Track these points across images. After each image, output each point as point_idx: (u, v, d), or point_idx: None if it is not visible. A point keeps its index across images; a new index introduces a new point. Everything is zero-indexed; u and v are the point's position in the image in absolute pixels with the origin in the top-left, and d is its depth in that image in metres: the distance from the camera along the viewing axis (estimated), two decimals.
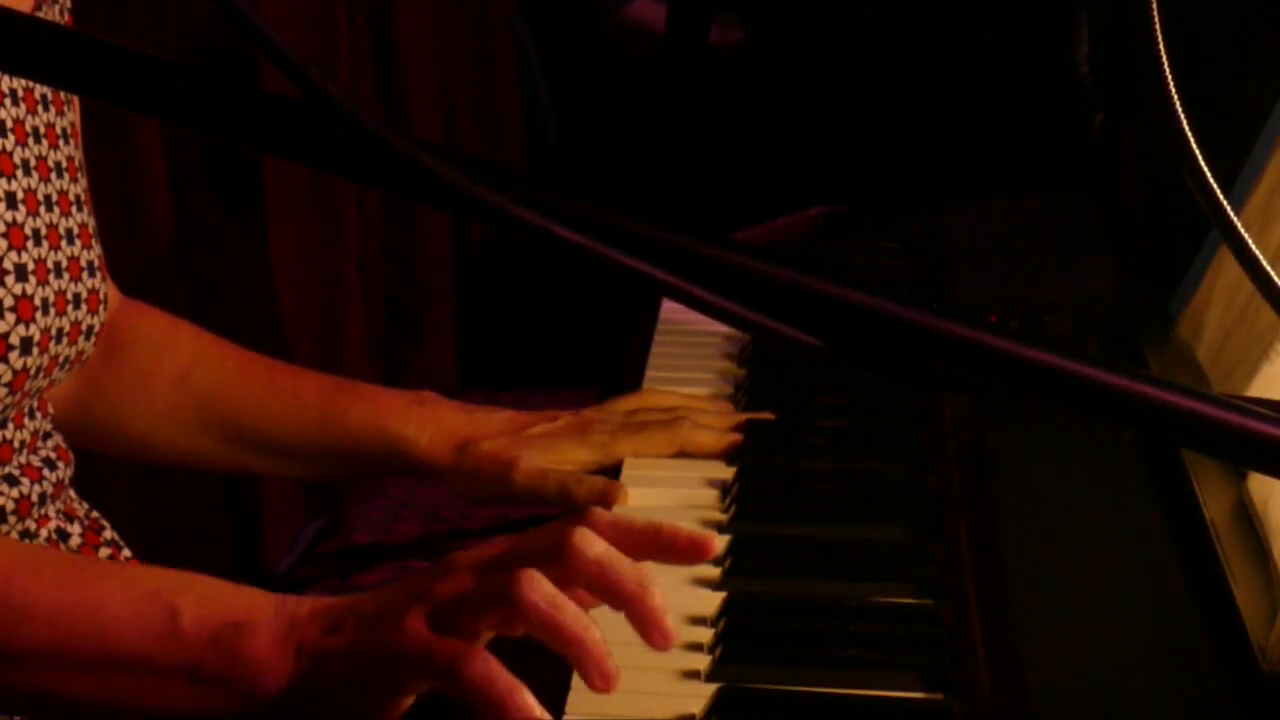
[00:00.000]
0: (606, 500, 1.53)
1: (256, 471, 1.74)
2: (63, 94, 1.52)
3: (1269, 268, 0.96)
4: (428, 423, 1.64)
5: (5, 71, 1.32)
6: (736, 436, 1.62)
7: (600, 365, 2.20)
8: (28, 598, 1.20)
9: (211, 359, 1.69)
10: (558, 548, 1.14)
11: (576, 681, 1.24)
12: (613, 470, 1.60)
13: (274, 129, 0.86)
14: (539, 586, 1.11)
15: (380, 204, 3.52)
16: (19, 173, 1.44)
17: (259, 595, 1.21)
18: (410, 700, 1.17)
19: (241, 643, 1.17)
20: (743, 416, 1.66)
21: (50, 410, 1.56)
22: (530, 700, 1.11)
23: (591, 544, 1.14)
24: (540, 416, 1.64)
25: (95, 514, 1.58)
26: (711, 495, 1.54)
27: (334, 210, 3.27)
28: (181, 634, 1.17)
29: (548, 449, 1.61)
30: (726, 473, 1.57)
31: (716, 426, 1.63)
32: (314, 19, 3.19)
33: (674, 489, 1.55)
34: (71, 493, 1.56)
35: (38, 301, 1.43)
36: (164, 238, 2.71)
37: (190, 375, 1.68)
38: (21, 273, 1.42)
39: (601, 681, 1.12)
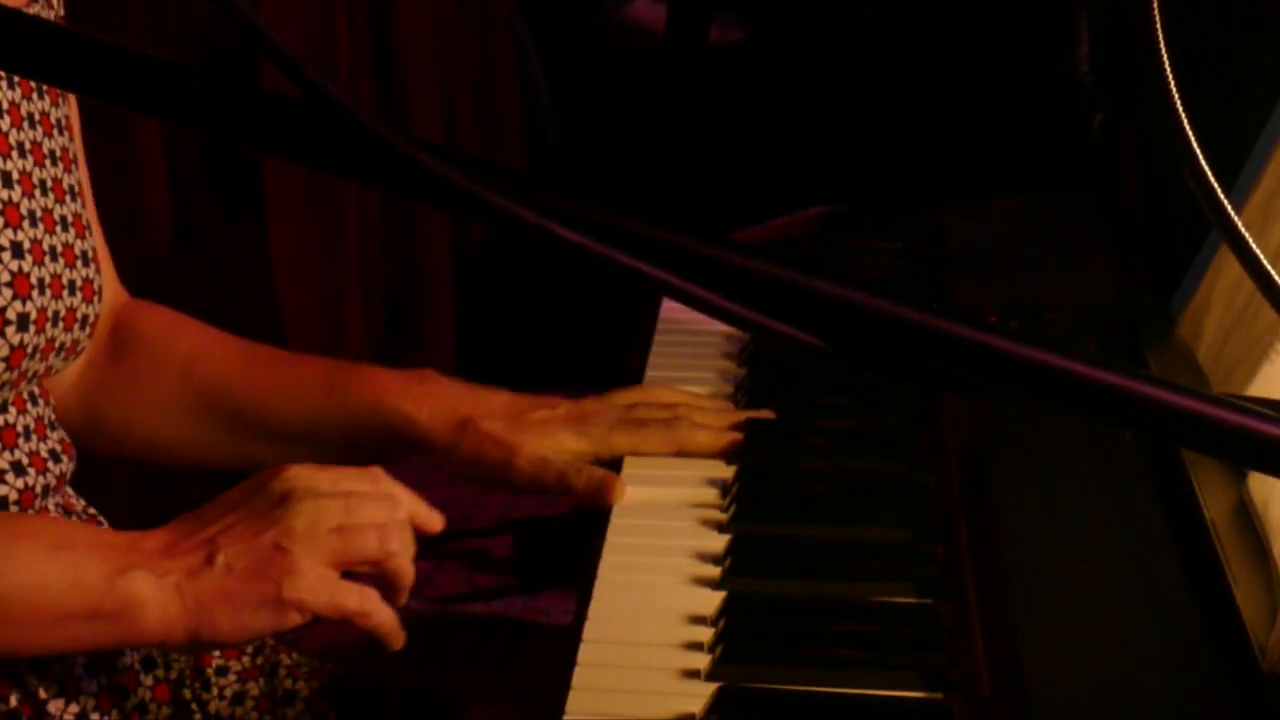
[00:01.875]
0: (604, 494, 1.54)
1: (265, 461, 1.75)
2: None
3: (1269, 267, 0.96)
4: (427, 399, 1.64)
5: (7, 71, 1.32)
6: (735, 436, 1.61)
7: (600, 365, 2.20)
8: None
9: (213, 351, 1.70)
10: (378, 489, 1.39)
11: (576, 681, 1.24)
12: (614, 464, 1.60)
13: (274, 129, 0.86)
14: (400, 540, 1.38)
15: (380, 204, 3.52)
16: (14, 154, 1.46)
17: (129, 537, 1.38)
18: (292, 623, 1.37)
19: (126, 586, 1.33)
20: (743, 415, 1.66)
21: (52, 400, 1.56)
22: (399, 627, 1.38)
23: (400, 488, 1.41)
24: (541, 402, 1.64)
25: (92, 510, 1.59)
26: (711, 495, 1.53)
27: (334, 210, 3.28)
28: (83, 582, 1.33)
29: (545, 435, 1.61)
30: (726, 472, 1.57)
31: (715, 426, 1.63)
32: (314, 19, 3.19)
33: (674, 488, 1.55)
34: (68, 489, 1.57)
35: (34, 280, 1.45)
36: (164, 238, 2.71)
37: (193, 368, 1.69)
38: (18, 250, 1.44)
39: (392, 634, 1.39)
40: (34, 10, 1.51)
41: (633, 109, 3.67)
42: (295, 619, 1.34)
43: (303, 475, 1.37)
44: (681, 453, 1.60)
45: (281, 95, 0.86)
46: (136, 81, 0.86)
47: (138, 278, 1.77)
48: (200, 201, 2.87)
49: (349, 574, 1.37)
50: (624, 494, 1.54)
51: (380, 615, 1.36)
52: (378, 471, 1.40)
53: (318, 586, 1.33)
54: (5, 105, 1.46)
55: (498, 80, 3.96)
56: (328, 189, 3.20)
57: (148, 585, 1.32)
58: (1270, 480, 1.26)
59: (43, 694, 1.45)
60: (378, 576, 1.38)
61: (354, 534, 1.35)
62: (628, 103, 3.76)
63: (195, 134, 2.43)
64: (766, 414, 1.66)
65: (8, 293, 1.43)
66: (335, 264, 3.26)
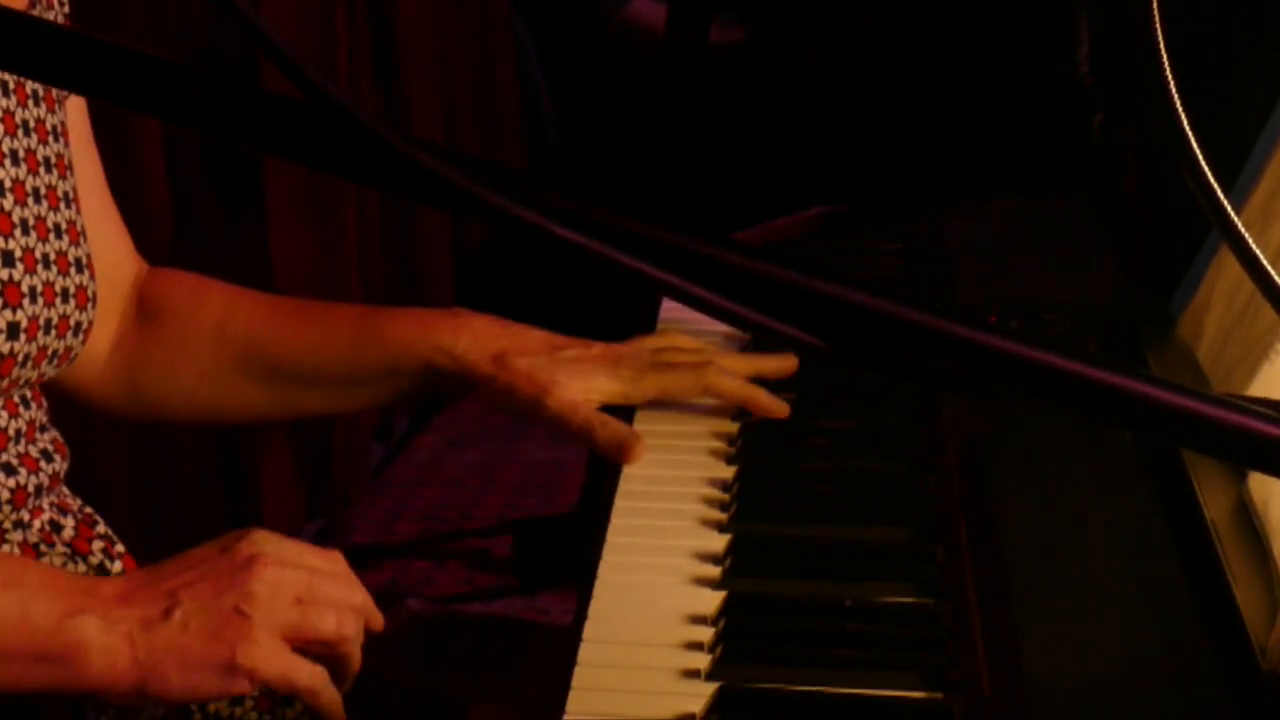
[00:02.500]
0: (625, 451, 1.58)
1: (308, 411, 1.78)
2: (54, 92, 1.53)
3: (1269, 268, 0.96)
4: (462, 330, 1.65)
5: (7, 70, 1.32)
6: (758, 390, 1.66)
7: None
8: None
9: (243, 307, 1.71)
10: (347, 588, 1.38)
11: (576, 681, 1.24)
12: (627, 413, 1.64)
13: (274, 129, 0.86)
14: (355, 629, 1.36)
15: (380, 204, 3.52)
16: (7, 162, 1.46)
17: (86, 581, 1.39)
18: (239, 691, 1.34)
19: (75, 631, 1.30)
20: (764, 360, 1.69)
21: (44, 403, 1.57)
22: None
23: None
24: (575, 342, 1.67)
25: (88, 509, 1.59)
26: (712, 495, 1.54)
27: (334, 210, 3.27)
28: (30, 622, 1.30)
29: (579, 375, 1.64)
30: (727, 472, 1.57)
31: (741, 372, 1.67)
32: (314, 19, 3.19)
33: (674, 487, 1.55)
34: (65, 488, 1.57)
35: (24, 289, 1.44)
36: (164, 238, 2.71)
37: (225, 326, 1.70)
38: (9, 259, 1.44)
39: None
40: (37, 11, 1.51)
41: (633, 109, 3.67)
42: (244, 686, 1.32)
43: (270, 541, 1.35)
44: (709, 393, 1.65)
45: (281, 95, 0.86)
46: (136, 81, 0.86)
47: None
48: (200, 201, 2.87)
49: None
50: (642, 456, 1.57)
51: (327, 695, 1.35)
52: (338, 555, 1.39)
53: (271, 656, 1.31)
54: None
55: (498, 80, 3.96)
56: (328, 189, 3.20)
57: (96, 630, 1.30)
58: (1270, 480, 1.26)
59: None
60: (326, 658, 1.36)
61: (313, 610, 1.34)
62: (628, 103, 3.75)
63: (195, 134, 2.43)
64: (787, 362, 1.69)
65: None
66: (335, 264, 3.26)
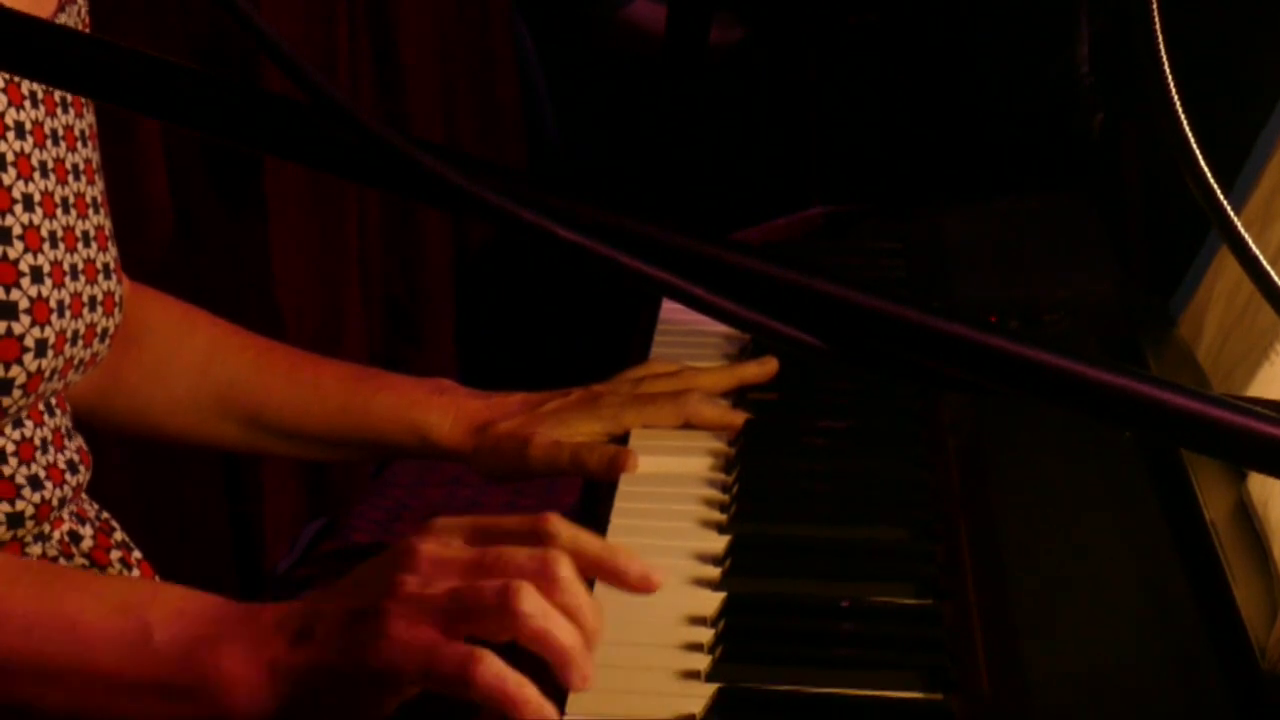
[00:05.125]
0: (618, 466, 1.58)
1: (275, 454, 1.80)
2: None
3: (1269, 268, 0.96)
4: (449, 410, 1.67)
5: (9, 72, 1.32)
6: (740, 415, 1.65)
7: (600, 364, 2.19)
8: (3, 607, 1.21)
9: (230, 349, 1.71)
10: (534, 533, 1.19)
11: None
12: (622, 441, 1.64)
13: (274, 129, 0.86)
14: (533, 599, 1.13)
15: (380, 204, 3.52)
16: (36, 175, 1.44)
17: (226, 606, 1.21)
18: (398, 699, 1.17)
19: (211, 659, 1.17)
20: (745, 368, 1.70)
21: (68, 407, 1.56)
22: (539, 695, 1.13)
23: (563, 526, 1.20)
24: (553, 394, 1.69)
25: (106, 515, 1.58)
26: (712, 495, 1.54)
27: (334, 210, 3.27)
28: (154, 649, 1.18)
29: (560, 423, 1.65)
30: (726, 473, 1.57)
31: (722, 403, 1.67)
32: (314, 19, 3.19)
33: (674, 487, 1.55)
34: (84, 496, 1.56)
35: (53, 304, 1.43)
36: (164, 237, 2.71)
37: (210, 366, 1.70)
38: (38, 275, 1.42)
39: (580, 681, 1.15)
40: (63, 18, 1.49)
41: (633, 109, 3.67)
42: (393, 696, 1.13)
43: (444, 525, 1.20)
44: (689, 425, 1.64)
45: (281, 95, 0.86)
46: (136, 81, 0.86)
47: (138, 277, 1.77)
48: (200, 201, 2.87)
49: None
50: (637, 464, 1.58)
51: (489, 677, 1.11)
52: (552, 516, 1.20)
53: (410, 650, 1.11)
54: (29, 125, 1.43)
55: (498, 80, 3.96)
56: (328, 189, 3.20)
57: (233, 660, 1.15)
58: (1270, 480, 1.26)
59: None
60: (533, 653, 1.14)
61: (469, 590, 1.14)
62: (628, 103, 3.75)
63: (195, 134, 2.43)
64: (768, 366, 1.70)
65: (26, 320, 1.41)
66: (335, 264, 3.25)
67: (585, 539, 1.21)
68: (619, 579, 1.22)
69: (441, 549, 1.17)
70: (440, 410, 1.67)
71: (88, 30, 1.55)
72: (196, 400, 1.70)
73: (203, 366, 1.69)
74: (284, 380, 1.70)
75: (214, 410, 1.70)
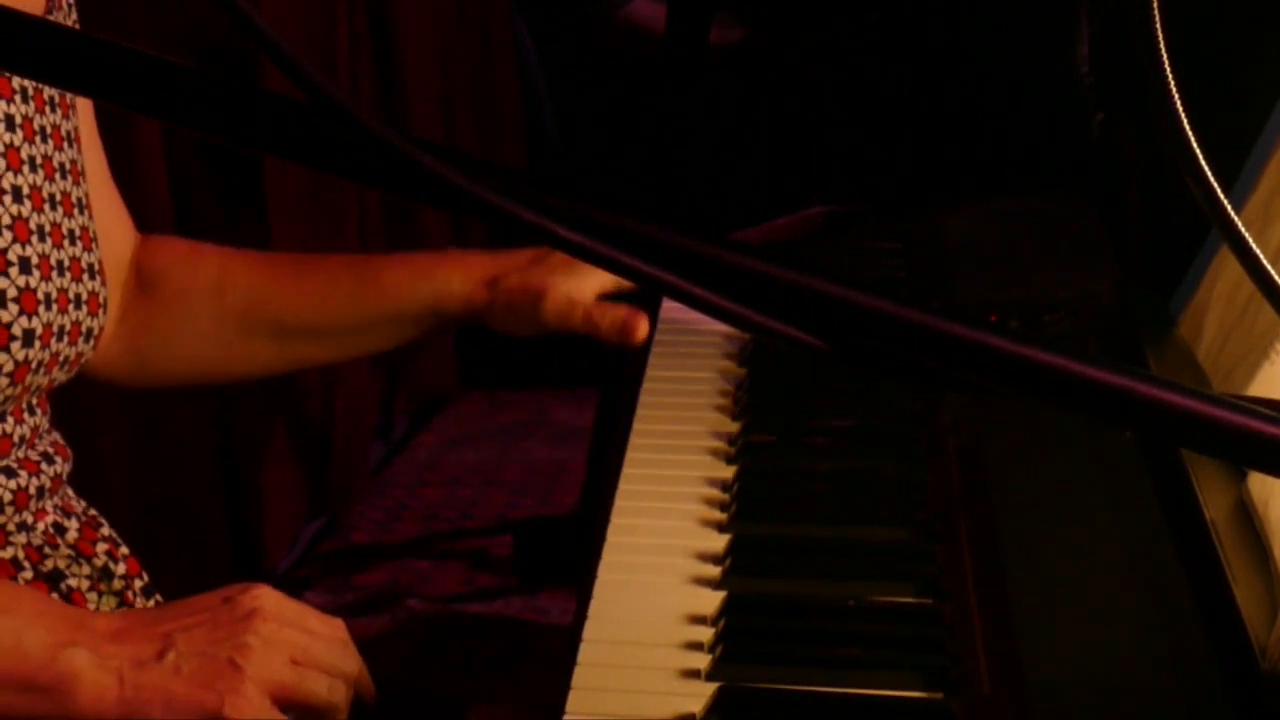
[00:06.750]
0: (629, 332, 1.62)
1: (314, 362, 1.81)
2: (68, 97, 1.53)
3: (1269, 268, 0.96)
4: (457, 267, 1.70)
5: (8, 71, 1.32)
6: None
7: (600, 364, 2.20)
8: None
9: (238, 266, 1.73)
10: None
11: (576, 681, 1.24)
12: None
13: (274, 129, 0.86)
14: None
15: (380, 204, 3.52)
16: (25, 168, 1.46)
17: (84, 616, 1.36)
18: None
19: (66, 662, 1.29)
20: None
21: (48, 408, 1.57)
22: None
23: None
24: None
25: (93, 511, 1.60)
26: (712, 495, 1.54)
27: (334, 210, 3.27)
28: (22, 652, 1.29)
29: (571, 272, 1.67)
30: (726, 472, 1.57)
31: None
32: (314, 19, 3.19)
33: (674, 487, 1.55)
34: (69, 490, 1.57)
35: (40, 295, 1.45)
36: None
37: (224, 286, 1.72)
38: (25, 265, 1.44)
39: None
40: (52, 17, 1.50)
41: (633, 109, 3.67)
42: None
43: (272, 598, 1.34)
44: None
45: (281, 95, 0.86)
46: (136, 81, 0.86)
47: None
48: (200, 201, 2.87)
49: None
50: (646, 330, 1.62)
51: None
52: (340, 623, 1.36)
53: (258, 712, 1.29)
54: (19, 119, 1.46)
55: (498, 80, 3.96)
56: (328, 189, 3.20)
57: (87, 664, 1.28)
58: (1270, 480, 1.26)
59: None
60: None
61: (307, 673, 1.32)
62: (628, 103, 3.75)
63: (195, 134, 2.43)
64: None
65: (14, 308, 1.43)
66: None
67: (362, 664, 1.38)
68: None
69: (278, 610, 1.33)
70: (448, 267, 1.70)
71: (77, 27, 1.56)
72: (221, 326, 1.71)
73: (218, 289, 1.71)
74: (294, 280, 1.72)
75: (239, 330, 1.72)
